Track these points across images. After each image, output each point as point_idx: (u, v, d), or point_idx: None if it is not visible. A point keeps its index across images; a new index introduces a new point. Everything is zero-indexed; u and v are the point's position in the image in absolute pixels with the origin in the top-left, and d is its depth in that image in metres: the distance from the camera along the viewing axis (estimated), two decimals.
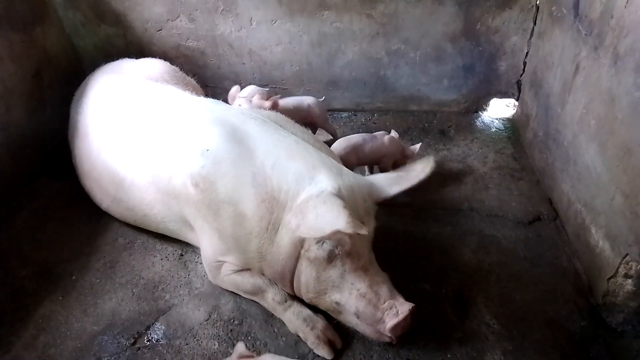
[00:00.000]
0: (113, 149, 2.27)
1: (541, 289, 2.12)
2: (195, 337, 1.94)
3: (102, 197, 2.40)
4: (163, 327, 1.99)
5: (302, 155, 1.86)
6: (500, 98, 3.39)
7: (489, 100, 3.40)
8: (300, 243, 1.76)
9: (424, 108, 3.46)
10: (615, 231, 1.92)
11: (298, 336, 1.92)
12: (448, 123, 3.34)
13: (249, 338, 1.93)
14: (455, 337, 1.93)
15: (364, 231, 1.56)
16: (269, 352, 1.88)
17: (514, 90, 3.29)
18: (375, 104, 3.47)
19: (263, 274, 2.00)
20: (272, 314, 2.01)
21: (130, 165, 2.20)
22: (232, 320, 2.01)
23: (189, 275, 2.22)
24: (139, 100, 2.33)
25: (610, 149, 1.98)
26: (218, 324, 2.00)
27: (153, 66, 2.73)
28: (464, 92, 3.36)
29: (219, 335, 1.95)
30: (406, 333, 1.74)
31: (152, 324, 2.01)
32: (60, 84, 2.98)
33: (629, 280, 1.82)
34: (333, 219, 1.57)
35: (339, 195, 1.68)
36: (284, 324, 1.98)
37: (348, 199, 1.69)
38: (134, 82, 2.49)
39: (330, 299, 1.78)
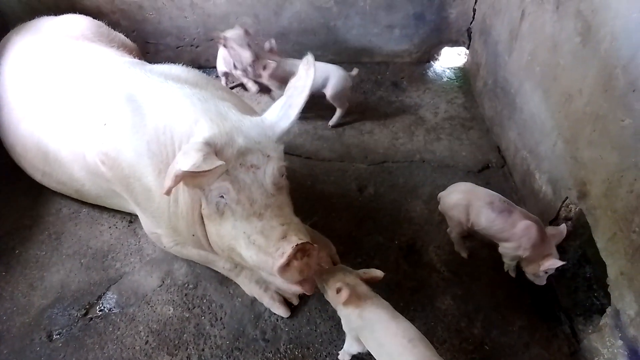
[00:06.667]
0: (33, 120, 2.06)
1: None
2: (149, 304, 1.92)
3: (32, 171, 2.25)
4: (115, 296, 1.96)
5: (188, 110, 1.66)
6: (452, 47, 3.37)
7: (441, 50, 3.38)
8: (199, 203, 1.64)
9: (376, 59, 3.40)
10: (556, 176, 1.98)
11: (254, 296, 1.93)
12: (401, 74, 3.31)
13: (205, 301, 1.93)
14: (408, 285, 1.99)
15: (214, 164, 1.39)
16: (226, 314, 1.89)
17: (465, 38, 3.27)
18: (327, 57, 3.35)
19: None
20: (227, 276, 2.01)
21: (51, 138, 2.01)
22: (186, 285, 1.99)
23: (139, 242, 2.17)
24: (54, 66, 2.11)
25: (553, 95, 2.01)
26: (172, 289, 1.98)
27: (73, 23, 2.47)
28: (416, 42, 3.31)
29: (173, 300, 1.93)
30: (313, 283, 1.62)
31: (104, 293, 1.97)
32: None
33: (569, 222, 1.91)
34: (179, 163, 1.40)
35: (210, 143, 1.49)
36: (239, 284, 1.98)
37: (226, 144, 1.53)
38: (51, 43, 2.25)
39: (236, 253, 1.63)
